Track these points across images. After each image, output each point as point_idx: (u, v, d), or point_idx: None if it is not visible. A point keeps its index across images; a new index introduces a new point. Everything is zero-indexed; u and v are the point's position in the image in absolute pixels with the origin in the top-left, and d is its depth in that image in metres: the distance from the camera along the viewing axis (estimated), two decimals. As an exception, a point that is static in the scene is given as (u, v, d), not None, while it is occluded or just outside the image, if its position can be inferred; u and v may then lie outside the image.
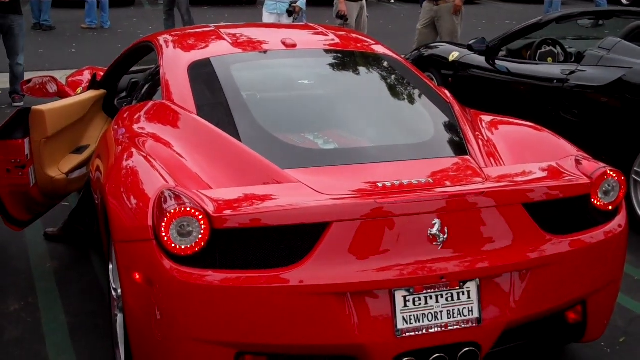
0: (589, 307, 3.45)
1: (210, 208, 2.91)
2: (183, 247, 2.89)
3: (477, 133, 3.80)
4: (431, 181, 3.25)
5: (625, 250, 3.55)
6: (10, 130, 4.43)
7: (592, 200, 3.42)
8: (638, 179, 5.37)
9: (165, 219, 2.88)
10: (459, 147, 3.64)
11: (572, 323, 3.48)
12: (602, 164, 3.51)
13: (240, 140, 3.45)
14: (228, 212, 2.92)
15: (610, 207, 3.46)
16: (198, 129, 3.59)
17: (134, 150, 3.47)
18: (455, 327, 3.11)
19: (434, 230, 3.07)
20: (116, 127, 3.96)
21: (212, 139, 3.49)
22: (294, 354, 3.05)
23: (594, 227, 3.42)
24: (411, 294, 3.05)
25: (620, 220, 3.49)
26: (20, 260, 4.94)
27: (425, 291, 3.06)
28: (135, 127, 3.81)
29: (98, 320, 4.11)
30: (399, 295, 3.04)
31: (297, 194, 3.08)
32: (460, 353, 3.12)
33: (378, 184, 3.17)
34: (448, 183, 3.29)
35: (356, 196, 3.09)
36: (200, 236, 2.88)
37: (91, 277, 4.68)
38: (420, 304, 3.07)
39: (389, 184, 3.17)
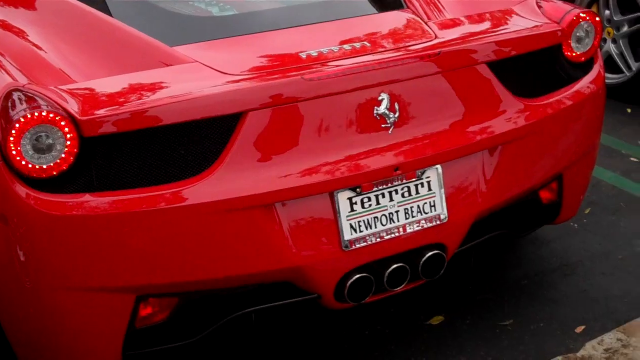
0: (565, 183, 2.85)
1: (76, 109, 2.09)
2: (44, 166, 2.07)
3: None
4: (368, 45, 2.49)
5: (603, 110, 2.91)
6: None
7: (564, 51, 2.75)
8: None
9: (14, 131, 2.05)
10: (393, 0, 2.86)
11: (546, 203, 2.87)
12: (569, 5, 2.82)
13: (111, 16, 2.57)
14: (102, 112, 2.10)
15: (583, 59, 2.80)
16: (60, 10, 2.67)
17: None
18: (415, 229, 2.44)
19: (382, 109, 2.34)
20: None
21: (77, 20, 2.59)
22: (213, 290, 2.33)
23: (567, 85, 2.77)
24: (358, 194, 2.34)
25: (596, 73, 2.85)
26: None
27: (375, 188, 2.36)
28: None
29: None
30: (343, 198, 2.32)
31: (195, 77, 2.26)
32: (424, 259, 2.47)
33: (300, 54, 2.39)
34: (390, 45, 2.52)
35: (275, 74, 2.30)
36: (65, 149, 2.07)
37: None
38: (370, 205, 2.37)
39: (315, 54, 2.39)
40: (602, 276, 3.15)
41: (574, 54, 2.77)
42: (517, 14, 2.80)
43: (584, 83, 2.79)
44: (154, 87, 2.21)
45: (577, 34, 2.76)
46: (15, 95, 2.12)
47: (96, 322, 2.25)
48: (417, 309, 2.97)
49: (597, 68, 2.86)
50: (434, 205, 2.46)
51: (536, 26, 2.70)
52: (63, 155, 2.07)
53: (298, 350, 2.79)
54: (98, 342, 2.29)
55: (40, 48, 2.48)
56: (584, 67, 2.83)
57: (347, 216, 2.34)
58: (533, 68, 2.68)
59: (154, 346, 2.36)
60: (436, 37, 2.58)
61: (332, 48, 2.43)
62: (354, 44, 2.47)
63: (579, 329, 2.83)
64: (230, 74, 2.26)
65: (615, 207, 3.66)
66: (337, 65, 2.32)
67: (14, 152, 2.05)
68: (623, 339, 2.63)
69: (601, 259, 3.27)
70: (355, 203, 2.35)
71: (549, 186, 2.84)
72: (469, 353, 2.74)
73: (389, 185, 2.39)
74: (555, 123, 2.66)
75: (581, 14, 2.75)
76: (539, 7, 2.83)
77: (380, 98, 2.33)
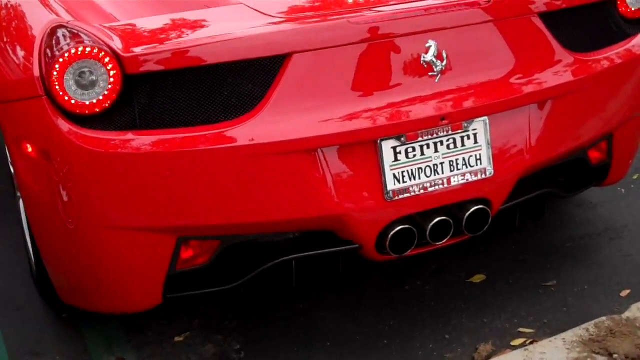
0: (615, 144, 2.78)
1: (119, 46, 2.07)
2: (86, 102, 2.07)
3: None
4: (417, -10, 2.42)
5: (658, 68, 2.82)
6: None
7: (618, 6, 2.67)
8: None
9: (58, 66, 2.04)
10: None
11: (595, 164, 2.80)
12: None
13: None
14: (145, 49, 2.08)
15: (638, 15, 2.71)
16: None
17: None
18: (459, 182, 2.39)
19: (429, 56, 2.29)
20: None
21: None
22: (253, 234, 2.31)
23: (620, 41, 2.68)
24: (402, 144, 2.30)
25: (652, 30, 2.75)
26: None
27: (420, 138, 2.32)
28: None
29: (7, 204, 3.30)
30: (387, 147, 2.28)
31: (240, 18, 2.23)
32: (468, 213, 2.42)
33: None
34: (440, -8, 2.46)
35: (321, 16, 2.26)
36: (108, 86, 2.06)
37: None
38: (414, 155, 2.33)
39: None
40: (648, 241, 3.08)
41: (628, 10, 2.69)
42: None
43: (637, 40, 2.70)
44: (197, 27, 2.20)
45: (634, -11, 2.67)
46: (59, 32, 2.12)
47: (137, 263, 2.25)
48: (458, 267, 2.93)
49: (654, 24, 2.77)
50: (480, 159, 2.41)
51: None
52: (106, 92, 2.06)
53: (337, 301, 2.77)
54: (139, 283, 2.30)
55: None
56: (637, 23, 2.74)
57: (391, 166, 2.30)
58: (586, 22, 2.61)
59: (193, 289, 2.36)
60: None
61: None
62: None
63: (624, 293, 2.77)
64: (274, 16, 2.23)
65: (664, 173, 3.58)
66: (384, 10, 2.27)
67: (57, 87, 2.05)
68: (670, 302, 2.57)
69: (648, 224, 3.20)
70: (399, 153, 2.31)
71: (598, 146, 2.76)
72: (510, 312, 2.69)
73: (434, 135, 2.34)
74: (607, 79, 2.59)
75: (638, -32, 2.66)
76: None
77: (427, 45, 2.28)
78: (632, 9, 2.70)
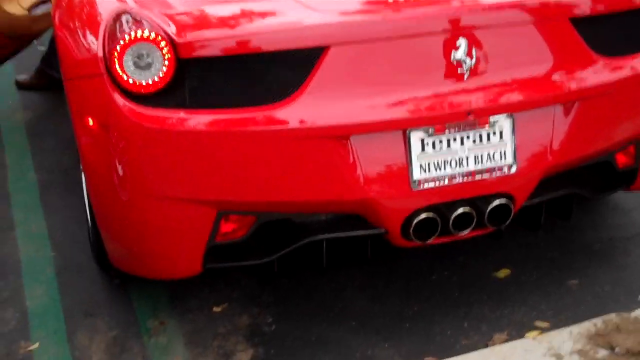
0: (644, 149, 2.87)
1: (174, 32, 2.30)
2: (143, 82, 2.30)
3: None
4: (454, -7, 2.58)
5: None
6: None
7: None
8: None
9: (118, 47, 2.28)
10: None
11: (622, 168, 2.90)
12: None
13: None
14: (197, 36, 2.30)
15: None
16: None
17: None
18: (484, 176, 2.54)
19: (459, 54, 2.45)
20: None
21: None
22: (288, 213, 2.51)
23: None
24: (430, 136, 2.47)
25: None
26: (-14, 111, 4.40)
27: (447, 131, 2.48)
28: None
29: (74, 178, 3.58)
30: (416, 137, 2.45)
31: (285, 11, 2.44)
32: (490, 207, 2.56)
33: None
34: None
35: (360, 12, 2.44)
36: (163, 68, 2.28)
37: (67, 130, 4.11)
38: (441, 147, 2.49)
39: None
40: (676, 249, 3.16)
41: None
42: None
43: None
44: (246, 17, 2.40)
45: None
46: (123, 17, 2.35)
47: (181, 232, 2.47)
48: (485, 261, 3.06)
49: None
50: (504, 155, 2.55)
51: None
52: (161, 74, 2.28)
53: (367, 284, 2.94)
54: (181, 251, 2.52)
55: None
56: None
57: (418, 156, 2.47)
58: (618, 27, 2.70)
59: (231, 261, 2.56)
60: None
61: None
62: None
63: (643, 295, 2.87)
64: (318, 11, 2.42)
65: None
66: (420, 9, 2.44)
67: (117, 67, 2.28)
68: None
69: (678, 233, 3.28)
70: (427, 144, 2.47)
71: (626, 150, 2.86)
72: (530, 306, 2.81)
73: (461, 129, 2.49)
74: (635, 85, 2.69)
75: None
76: None
77: (458, 43, 2.44)
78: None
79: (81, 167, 2.81)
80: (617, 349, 2.38)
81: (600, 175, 2.89)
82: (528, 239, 3.17)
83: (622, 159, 2.88)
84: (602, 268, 3.04)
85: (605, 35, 2.67)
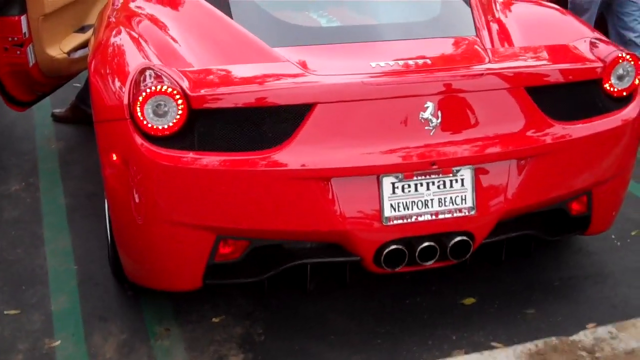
0: (595, 199, 3.28)
1: (188, 87, 2.77)
2: (160, 127, 2.77)
3: (489, 13, 3.55)
4: (429, 62, 3.04)
5: (638, 140, 3.33)
6: (5, 6, 4.28)
7: (604, 85, 3.20)
8: None
9: (141, 98, 2.75)
10: (466, 27, 3.40)
11: (575, 215, 3.32)
12: (618, 47, 3.27)
13: (232, 18, 3.26)
14: (207, 91, 2.78)
15: (624, 93, 3.24)
16: (195, 8, 3.40)
17: (123, 28, 3.30)
18: (446, 216, 2.97)
19: (426, 114, 2.90)
20: (113, 4, 3.79)
21: (205, 18, 3.30)
22: (277, 240, 2.96)
23: (604, 114, 3.21)
24: (400, 181, 2.91)
25: (634, 107, 3.27)
26: (25, 141, 4.91)
27: (415, 178, 2.92)
28: (132, 5, 3.63)
29: (97, 203, 4.06)
30: (387, 182, 2.90)
31: (282, 73, 2.91)
32: (452, 242, 2.99)
33: (371, 64, 2.98)
34: (447, 64, 3.07)
35: (344, 76, 2.91)
36: (177, 116, 2.75)
37: (95, 159, 4.59)
38: (409, 191, 2.93)
39: (383, 64, 2.97)
40: (628, 288, 3.54)
41: (614, 89, 3.21)
42: (570, 49, 3.27)
43: (619, 115, 3.20)
44: (249, 77, 2.88)
45: (618, 72, 3.18)
46: (147, 72, 2.83)
47: (186, 251, 2.93)
48: (454, 290, 3.47)
49: (635, 102, 3.27)
50: (465, 199, 2.98)
51: (581, 61, 3.16)
52: (175, 120, 2.75)
53: (346, 306, 3.37)
54: (186, 268, 2.97)
55: (174, 39, 3.19)
56: (623, 101, 3.24)
57: (389, 197, 2.91)
58: (571, 95, 3.13)
59: (227, 278, 3.02)
60: (490, 61, 3.09)
61: (398, 62, 2.99)
62: (417, 61, 3.01)
63: (590, 326, 3.24)
64: (309, 73, 2.89)
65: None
66: (394, 76, 2.90)
67: (139, 114, 2.75)
68: (613, 332, 3.05)
69: (633, 274, 3.65)
70: (397, 187, 2.91)
71: (579, 199, 3.27)
72: (488, 330, 3.21)
73: (428, 177, 2.93)
74: (583, 145, 3.10)
75: (624, 55, 3.18)
76: (593, 45, 3.28)
77: (426, 105, 2.89)
78: (618, 88, 3.23)
79: (104, 194, 3.28)
80: (549, 367, 2.79)
81: (555, 220, 3.30)
82: (495, 274, 3.58)
83: (575, 207, 3.29)
84: (558, 302, 3.43)
85: (559, 102, 3.09)
